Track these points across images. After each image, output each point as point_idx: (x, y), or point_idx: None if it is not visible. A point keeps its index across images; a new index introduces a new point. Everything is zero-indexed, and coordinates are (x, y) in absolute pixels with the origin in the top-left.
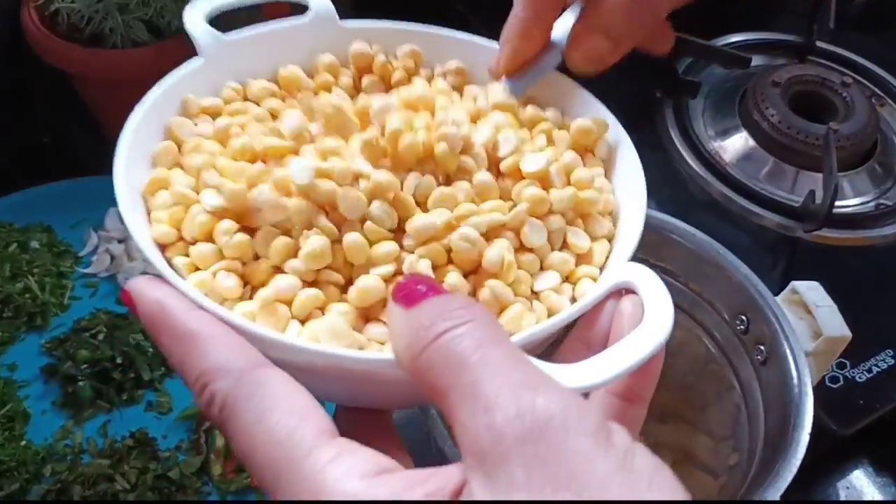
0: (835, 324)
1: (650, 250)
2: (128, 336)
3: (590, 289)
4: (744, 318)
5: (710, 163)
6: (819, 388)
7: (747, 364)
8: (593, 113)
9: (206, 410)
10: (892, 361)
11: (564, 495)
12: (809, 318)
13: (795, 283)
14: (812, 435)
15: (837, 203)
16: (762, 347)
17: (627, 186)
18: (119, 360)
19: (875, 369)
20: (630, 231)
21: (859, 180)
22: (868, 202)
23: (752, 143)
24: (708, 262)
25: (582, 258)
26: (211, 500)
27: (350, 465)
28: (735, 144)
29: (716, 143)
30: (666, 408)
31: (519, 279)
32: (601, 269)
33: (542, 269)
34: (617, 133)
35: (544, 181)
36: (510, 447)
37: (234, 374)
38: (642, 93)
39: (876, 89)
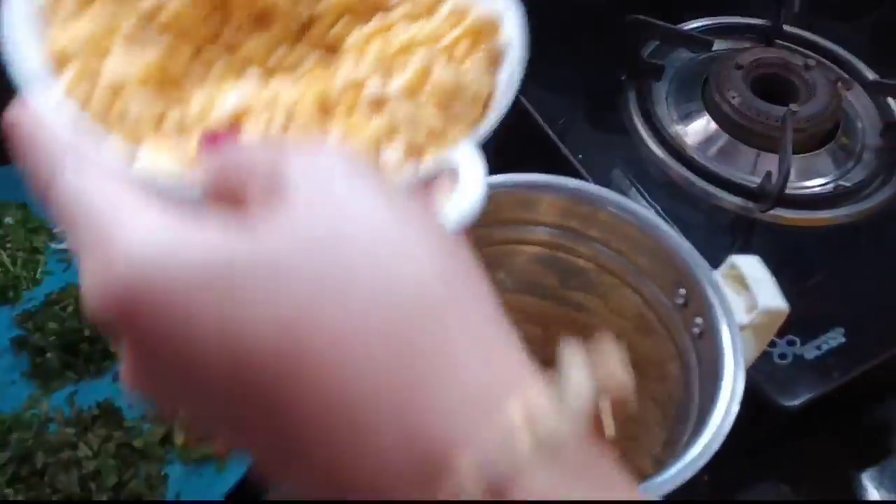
0: (770, 296)
1: (597, 226)
2: None
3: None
4: (683, 291)
5: (672, 146)
6: (766, 364)
7: (685, 337)
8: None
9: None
10: (843, 340)
11: None
12: (747, 292)
13: (734, 258)
14: (758, 409)
15: (796, 184)
16: (699, 321)
17: (505, 80)
18: (87, 332)
19: (825, 347)
20: (489, 120)
21: (820, 162)
22: (827, 184)
23: (713, 125)
24: (649, 237)
25: (435, 139)
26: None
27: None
28: (697, 127)
29: (678, 126)
30: None
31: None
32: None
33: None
34: (513, 30)
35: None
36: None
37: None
38: (607, 76)
39: (842, 72)
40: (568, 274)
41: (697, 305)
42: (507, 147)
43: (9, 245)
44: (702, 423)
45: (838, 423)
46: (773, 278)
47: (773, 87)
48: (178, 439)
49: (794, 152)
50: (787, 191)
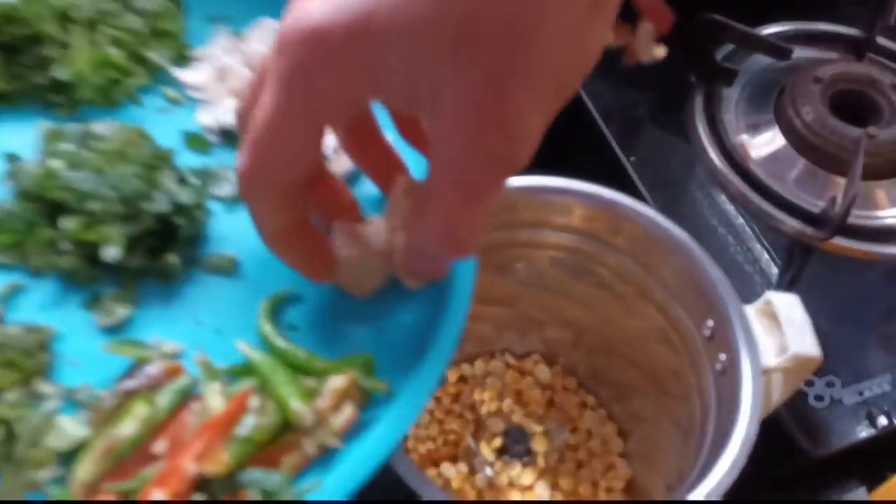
0: (803, 341)
1: (623, 237)
2: None
3: None
4: (711, 323)
5: (734, 157)
6: (800, 406)
7: (708, 372)
8: None
9: None
10: (889, 388)
11: None
12: (780, 332)
13: (770, 294)
14: (786, 452)
15: (865, 213)
16: (723, 357)
17: None
18: None
19: (867, 393)
20: None
21: None
22: None
23: (782, 140)
24: (682, 262)
25: None
26: None
27: None
28: (764, 140)
29: (744, 136)
30: (636, 390)
31: None
32: None
33: None
34: None
35: None
36: None
37: None
38: (674, 75)
39: None
40: (585, 277)
41: (723, 341)
42: (556, 139)
43: None
44: (709, 465)
45: (876, 479)
46: (810, 321)
47: (855, 105)
48: None
49: (869, 178)
50: (853, 220)
